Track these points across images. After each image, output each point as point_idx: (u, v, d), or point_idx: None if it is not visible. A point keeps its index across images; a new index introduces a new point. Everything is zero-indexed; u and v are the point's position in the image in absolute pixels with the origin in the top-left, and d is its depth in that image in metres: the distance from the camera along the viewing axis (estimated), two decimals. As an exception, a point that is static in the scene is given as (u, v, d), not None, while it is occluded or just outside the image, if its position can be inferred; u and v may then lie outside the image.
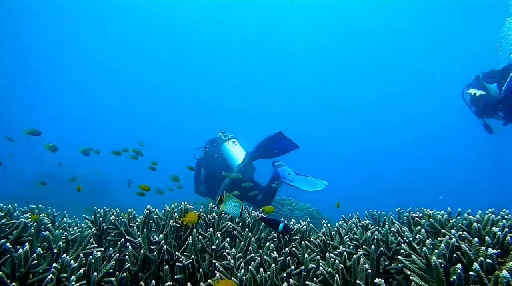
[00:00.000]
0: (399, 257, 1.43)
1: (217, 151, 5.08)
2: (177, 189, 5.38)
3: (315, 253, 1.94)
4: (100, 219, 2.33)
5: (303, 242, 1.89)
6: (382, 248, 1.64)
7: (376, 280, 1.30)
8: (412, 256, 1.35)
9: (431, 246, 1.36)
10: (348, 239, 1.97)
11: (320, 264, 1.71)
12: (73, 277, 1.57)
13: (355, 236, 1.84)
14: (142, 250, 1.90)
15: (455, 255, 1.29)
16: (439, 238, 1.58)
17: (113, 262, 1.73)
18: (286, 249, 1.84)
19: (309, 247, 1.99)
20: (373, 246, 1.59)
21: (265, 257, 1.77)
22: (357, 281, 1.38)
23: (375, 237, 1.69)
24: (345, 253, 1.61)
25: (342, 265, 1.51)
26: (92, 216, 2.34)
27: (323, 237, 1.97)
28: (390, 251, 1.70)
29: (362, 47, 24.96)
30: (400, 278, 1.59)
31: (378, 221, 2.58)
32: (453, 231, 1.51)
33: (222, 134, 5.25)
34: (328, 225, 2.14)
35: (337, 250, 1.74)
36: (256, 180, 5.27)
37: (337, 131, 27.22)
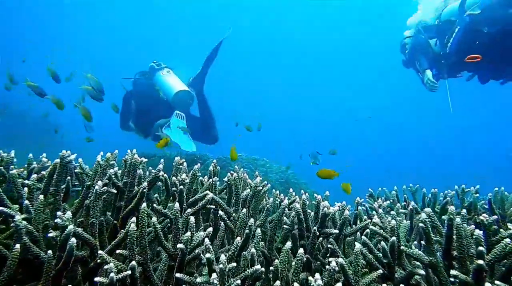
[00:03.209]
0: None
1: (148, 82, 4.55)
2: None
3: (378, 272, 0.99)
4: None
5: (357, 245, 0.93)
6: None
7: None
8: None
9: None
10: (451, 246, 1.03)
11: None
12: None
13: (471, 240, 0.90)
14: (24, 239, 0.87)
15: None
16: None
17: None
18: (333, 263, 0.88)
19: (365, 256, 1.04)
20: None
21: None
22: None
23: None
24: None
25: None
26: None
27: (391, 237, 1.02)
28: None
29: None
30: None
31: (434, 204, 1.67)
32: None
33: (155, 63, 4.62)
34: (395, 212, 1.19)
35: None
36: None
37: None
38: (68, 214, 0.92)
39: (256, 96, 25.95)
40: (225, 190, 1.61)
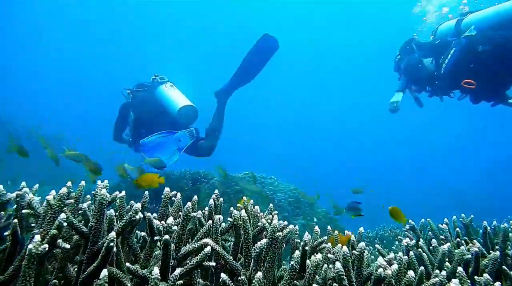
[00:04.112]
0: None
1: (149, 94, 4.44)
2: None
3: None
4: None
5: None
6: None
7: None
8: None
9: None
10: None
11: None
12: None
13: None
14: None
15: None
16: None
17: None
18: None
19: None
20: None
21: None
22: None
23: None
24: None
25: None
26: None
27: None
28: None
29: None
30: None
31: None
32: None
33: (157, 77, 4.52)
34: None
35: None
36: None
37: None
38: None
39: (261, 110, 25.58)
40: (230, 229, 1.23)
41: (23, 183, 1.12)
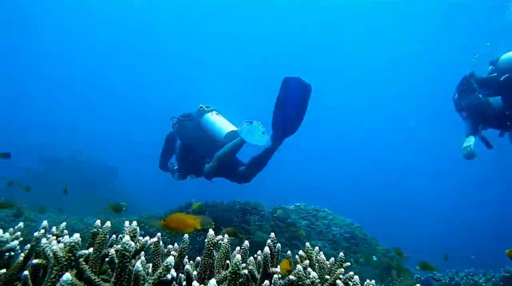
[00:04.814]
0: None
1: (196, 122, 4.57)
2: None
3: None
4: None
5: None
6: None
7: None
8: None
9: None
10: None
11: None
12: None
13: None
14: None
15: None
16: None
17: None
18: None
19: None
20: None
21: None
22: None
23: None
24: None
25: None
26: None
27: None
28: None
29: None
30: None
31: None
32: None
33: (203, 106, 4.60)
34: None
35: None
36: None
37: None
38: None
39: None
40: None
41: (45, 222, 0.95)
